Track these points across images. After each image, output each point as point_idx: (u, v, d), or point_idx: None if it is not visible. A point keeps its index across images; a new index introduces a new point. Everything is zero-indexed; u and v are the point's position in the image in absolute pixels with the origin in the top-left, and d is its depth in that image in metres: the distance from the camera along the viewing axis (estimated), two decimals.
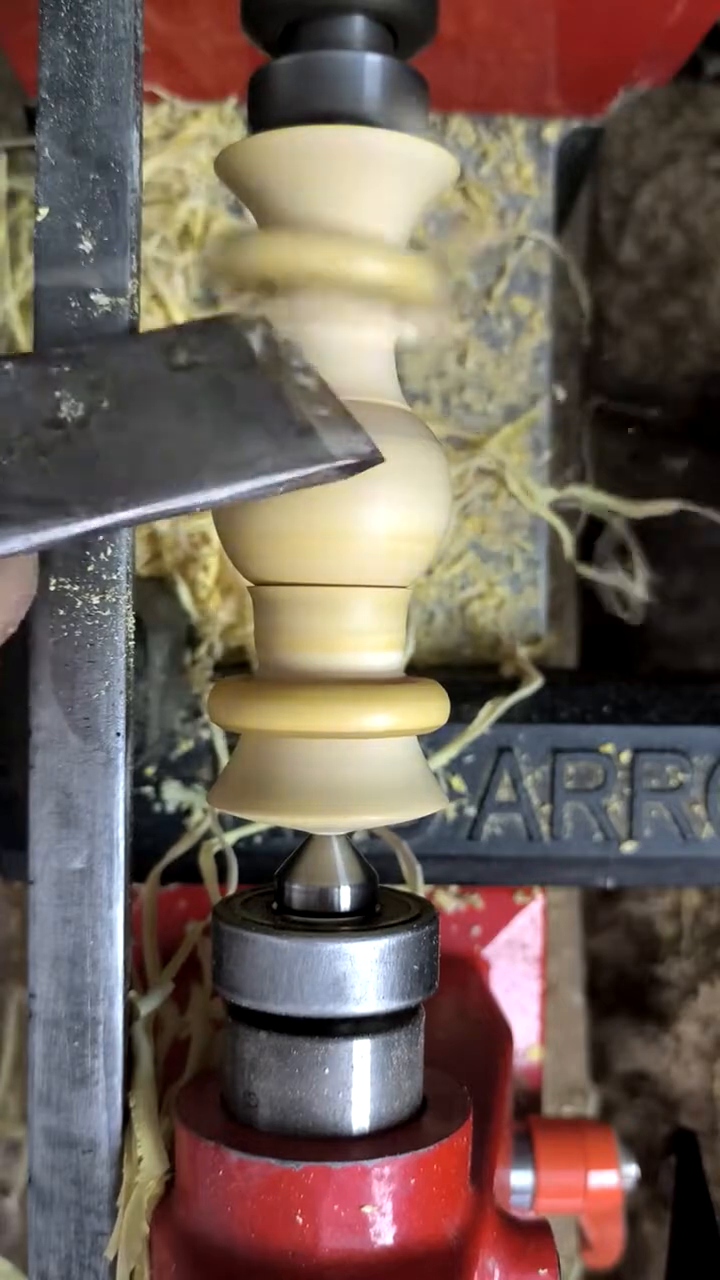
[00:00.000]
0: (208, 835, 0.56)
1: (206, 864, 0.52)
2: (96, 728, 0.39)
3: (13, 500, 0.32)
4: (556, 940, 0.83)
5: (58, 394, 0.33)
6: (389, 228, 0.39)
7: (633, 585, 0.73)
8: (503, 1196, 0.48)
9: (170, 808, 0.58)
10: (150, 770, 0.58)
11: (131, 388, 0.34)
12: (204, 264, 0.38)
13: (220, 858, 0.53)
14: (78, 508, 0.32)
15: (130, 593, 0.39)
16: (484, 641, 0.67)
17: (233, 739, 0.58)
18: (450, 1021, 0.55)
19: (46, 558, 0.38)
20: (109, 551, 0.38)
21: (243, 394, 0.34)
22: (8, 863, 0.58)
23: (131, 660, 0.39)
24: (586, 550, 0.74)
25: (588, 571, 0.72)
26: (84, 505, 0.32)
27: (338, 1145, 0.37)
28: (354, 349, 0.38)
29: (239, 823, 0.57)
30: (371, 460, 0.34)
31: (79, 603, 0.39)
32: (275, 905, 0.41)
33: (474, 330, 0.66)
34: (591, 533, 0.81)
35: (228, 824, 0.57)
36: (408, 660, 0.64)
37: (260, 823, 0.57)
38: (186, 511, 0.33)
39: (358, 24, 0.39)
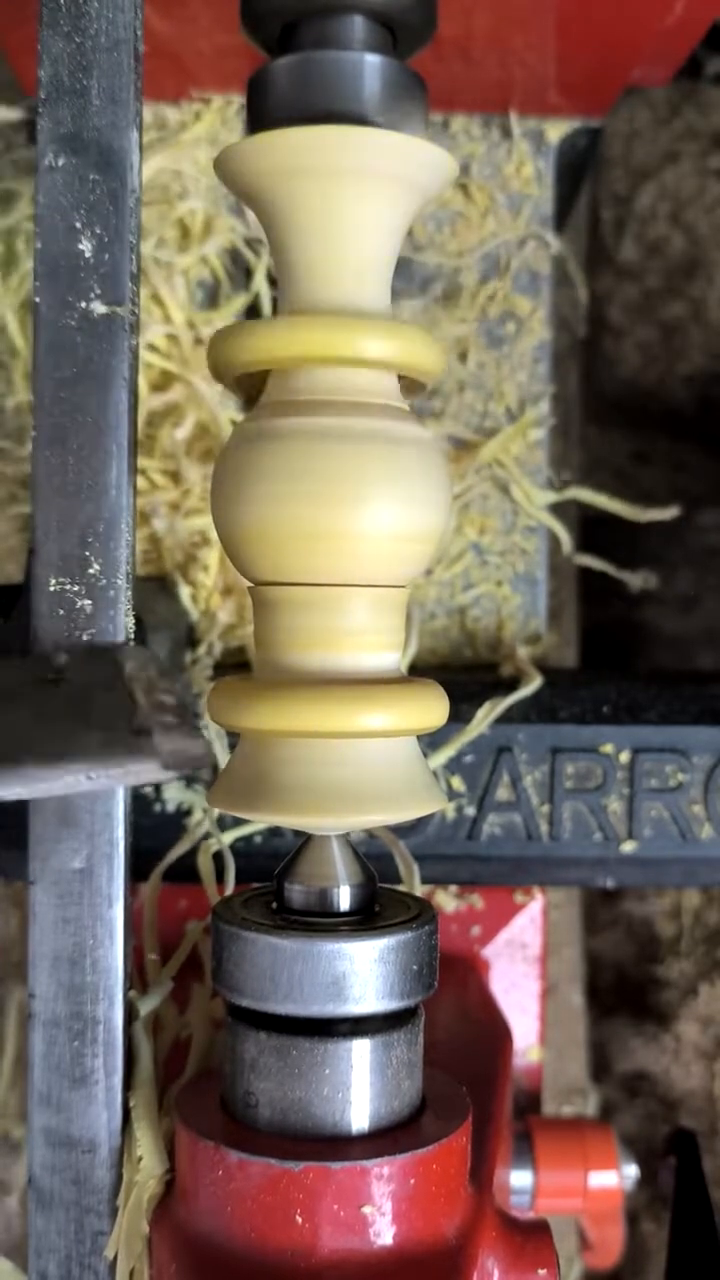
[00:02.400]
0: (207, 835, 0.56)
1: (205, 864, 0.52)
2: None
3: None
4: (556, 940, 0.83)
5: None
6: (388, 233, 0.39)
7: (630, 577, 0.73)
8: (502, 1196, 0.48)
9: (170, 808, 0.58)
10: None
11: None
12: (209, 358, 0.39)
13: (219, 857, 0.53)
14: None
15: (130, 593, 0.39)
16: (484, 641, 0.67)
17: (233, 739, 0.58)
18: (450, 1021, 0.55)
19: (47, 558, 0.38)
20: (109, 552, 0.38)
21: (98, 705, 0.34)
22: (8, 863, 0.58)
23: None
24: (586, 548, 0.74)
25: (587, 560, 0.72)
26: None
27: (337, 1145, 0.37)
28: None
29: (239, 822, 0.57)
30: (199, 764, 0.34)
31: (79, 603, 0.39)
32: (275, 905, 0.41)
33: (474, 330, 0.66)
34: (591, 532, 0.81)
35: (227, 824, 0.57)
36: (408, 660, 0.64)
37: (260, 823, 0.57)
38: (13, 798, 0.34)
39: (357, 24, 0.39)
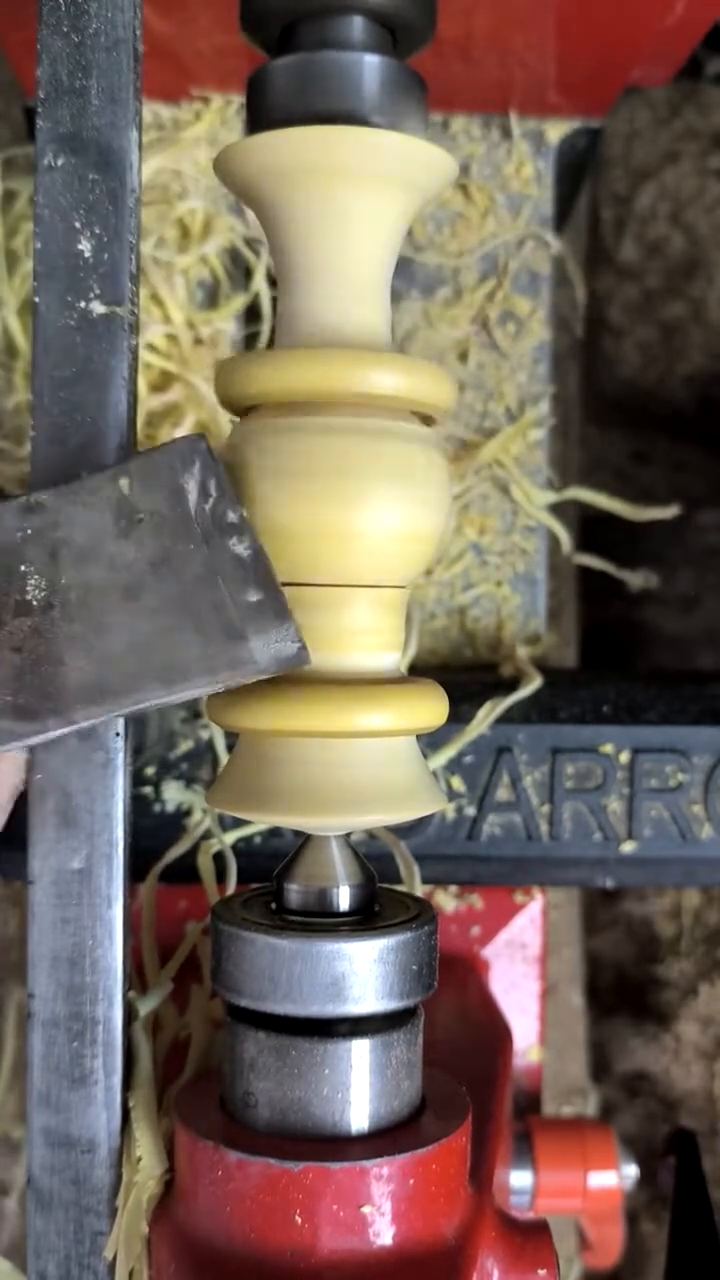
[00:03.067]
0: (207, 835, 0.56)
1: (205, 864, 0.52)
2: (96, 728, 0.39)
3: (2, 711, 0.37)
4: (556, 940, 0.83)
5: (23, 568, 0.37)
6: (388, 233, 0.39)
7: (630, 577, 0.73)
8: (502, 1196, 0.48)
9: (170, 808, 0.58)
10: (150, 770, 0.58)
11: (85, 558, 0.37)
12: (216, 389, 0.40)
13: (219, 858, 0.53)
14: (50, 719, 0.36)
15: None
16: (484, 641, 0.67)
17: (232, 739, 0.58)
18: (450, 1021, 0.55)
19: None
20: None
21: (181, 570, 0.36)
22: (7, 862, 0.58)
23: None
24: (586, 548, 0.74)
25: (587, 560, 0.72)
26: (55, 716, 0.36)
27: (337, 1145, 0.37)
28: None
29: (239, 823, 0.57)
30: (298, 662, 0.36)
31: None
32: (274, 905, 0.41)
33: (474, 330, 0.66)
34: (591, 532, 0.81)
35: (227, 824, 0.57)
36: (408, 660, 0.64)
37: (259, 823, 0.57)
38: (131, 714, 0.37)
39: (357, 24, 0.39)
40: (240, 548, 0.36)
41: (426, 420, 0.41)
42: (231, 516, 0.36)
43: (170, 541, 0.36)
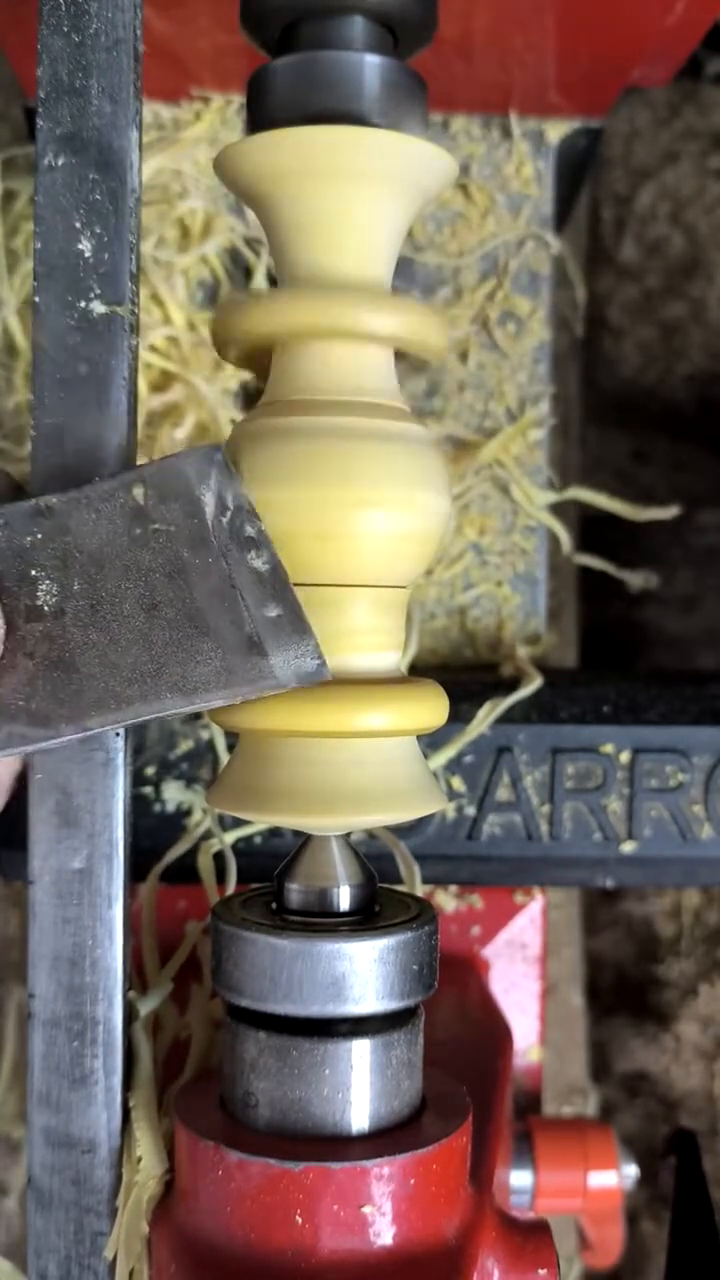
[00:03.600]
0: (207, 835, 0.56)
1: (205, 864, 0.52)
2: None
3: (9, 712, 0.36)
4: (556, 940, 0.83)
5: (34, 572, 0.36)
6: (388, 233, 0.39)
7: (630, 577, 0.73)
8: (502, 1196, 0.48)
9: (170, 808, 0.58)
10: (150, 770, 0.58)
11: (98, 565, 0.36)
12: (211, 332, 0.40)
13: (219, 858, 0.53)
14: (64, 725, 0.36)
15: None
16: (484, 641, 0.67)
17: (232, 739, 0.58)
18: (450, 1021, 0.55)
19: None
20: None
21: (198, 584, 0.36)
22: (8, 863, 0.58)
23: None
24: (586, 548, 0.74)
25: (587, 560, 0.72)
26: (68, 723, 0.36)
27: (337, 1145, 0.37)
28: (354, 354, 0.38)
29: (239, 822, 0.57)
30: (317, 678, 0.36)
31: None
32: (274, 905, 0.41)
33: (474, 330, 0.66)
34: (591, 532, 0.81)
35: (227, 824, 0.57)
36: (408, 660, 0.64)
37: (260, 823, 0.57)
38: (146, 722, 0.38)
39: (357, 24, 0.39)
40: (259, 562, 0.36)
41: (420, 365, 0.40)
42: (250, 530, 0.36)
43: (187, 553, 0.36)
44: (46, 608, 0.36)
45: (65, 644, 0.36)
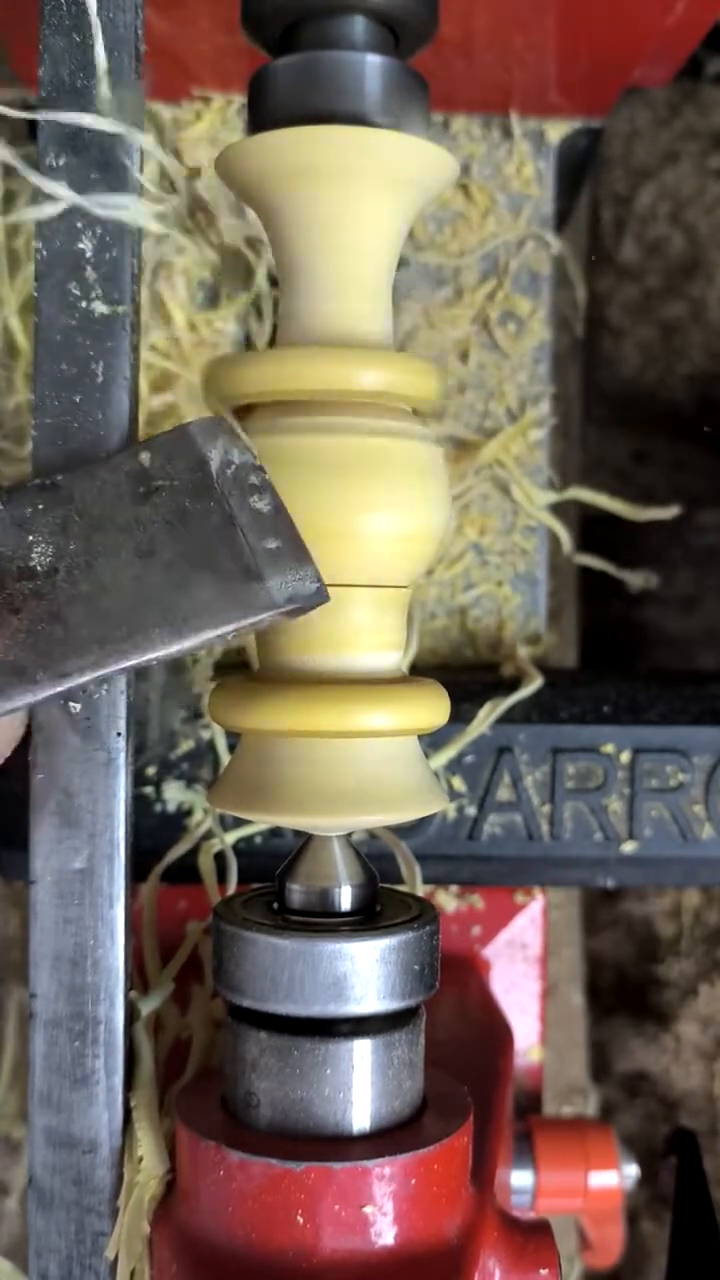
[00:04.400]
0: (208, 835, 0.56)
1: (206, 864, 0.52)
2: (96, 728, 0.39)
3: None
4: (556, 940, 0.83)
5: (30, 538, 0.35)
6: (389, 233, 0.39)
7: (630, 577, 0.73)
8: (503, 1196, 0.48)
9: (170, 808, 0.58)
10: (151, 770, 0.58)
11: (96, 525, 0.35)
12: (204, 388, 0.40)
13: (220, 858, 0.53)
14: (41, 675, 0.34)
15: None
16: (484, 641, 0.67)
17: (233, 739, 0.58)
18: (450, 1021, 0.55)
19: None
20: None
21: (197, 525, 0.35)
22: (8, 863, 0.58)
23: None
24: (586, 548, 0.74)
25: (587, 560, 0.72)
26: (47, 673, 0.34)
27: (338, 1145, 0.37)
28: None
29: (239, 822, 0.57)
30: (317, 601, 0.35)
31: None
32: (276, 905, 0.41)
33: (474, 330, 0.66)
34: (591, 532, 0.81)
35: (228, 824, 0.57)
36: (409, 660, 0.64)
37: (261, 823, 0.57)
38: (137, 668, 0.35)
39: (358, 24, 0.39)
40: (262, 504, 0.35)
41: (417, 414, 0.41)
42: (254, 480, 0.35)
43: (189, 502, 0.35)
44: (39, 568, 0.35)
45: (54, 599, 0.35)
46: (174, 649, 0.35)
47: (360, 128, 0.38)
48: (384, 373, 0.38)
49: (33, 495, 0.36)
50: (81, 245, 0.38)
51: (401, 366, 0.38)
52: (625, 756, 0.59)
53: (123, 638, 0.35)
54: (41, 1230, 0.40)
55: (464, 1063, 0.45)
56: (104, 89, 0.38)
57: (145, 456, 0.36)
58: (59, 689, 0.35)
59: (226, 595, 0.35)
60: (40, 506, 0.36)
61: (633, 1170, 0.60)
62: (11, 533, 0.35)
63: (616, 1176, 0.59)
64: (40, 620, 0.35)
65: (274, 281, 0.62)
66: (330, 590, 0.38)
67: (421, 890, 0.57)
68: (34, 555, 0.35)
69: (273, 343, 0.43)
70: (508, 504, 0.66)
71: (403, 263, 0.53)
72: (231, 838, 0.57)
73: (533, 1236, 0.40)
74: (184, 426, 0.36)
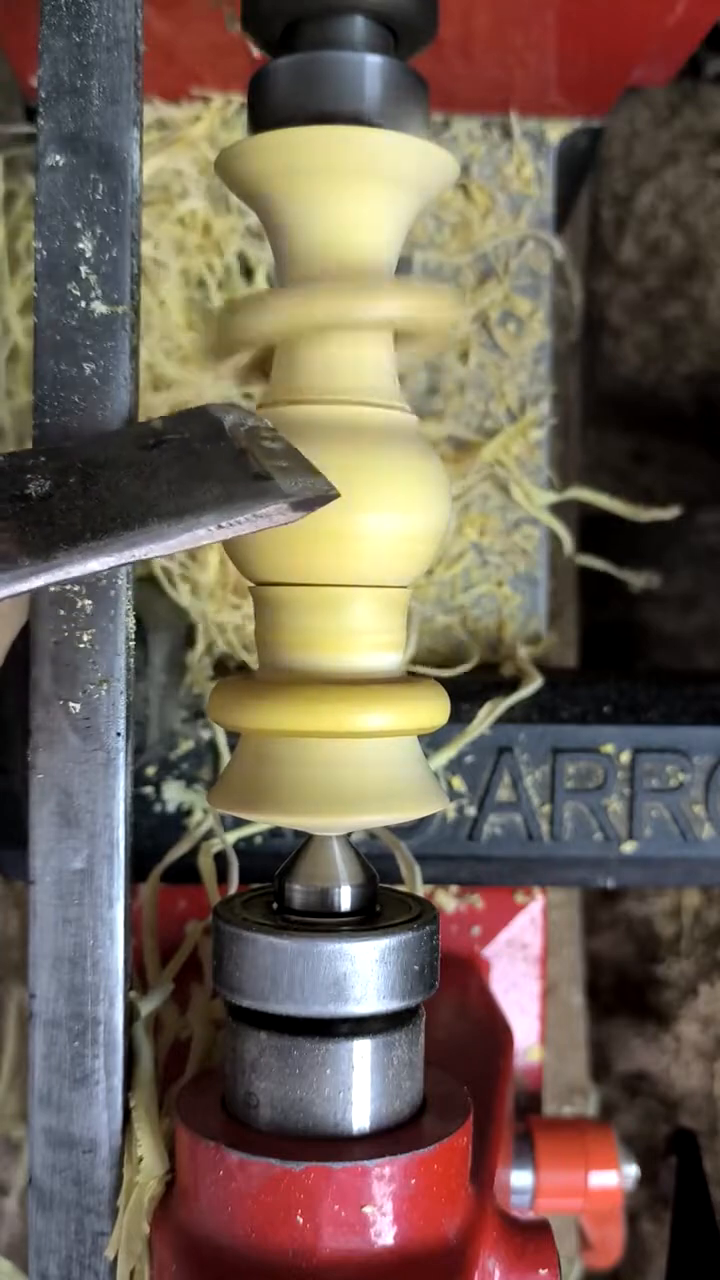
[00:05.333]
0: (208, 835, 0.56)
1: (206, 865, 0.52)
2: (96, 728, 0.39)
3: None
4: (556, 940, 0.83)
5: (28, 476, 0.34)
6: (389, 233, 0.39)
7: (630, 577, 0.73)
8: (503, 1196, 0.48)
9: (170, 808, 0.58)
10: (151, 770, 0.58)
11: (100, 467, 0.34)
12: (215, 333, 0.39)
13: (220, 857, 0.53)
14: (24, 560, 0.33)
15: (130, 593, 0.39)
16: (484, 641, 0.67)
17: (233, 739, 0.58)
18: (450, 1021, 0.55)
19: None
20: None
21: (206, 456, 0.34)
22: (8, 863, 0.58)
23: (131, 660, 0.39)
24: (586, 548, 0.74)
25: (588, 561, 0.72)
26: (30, 559, 0.33)
27: (338, 1145, 0.37)
28: (355, 357, 0.38)
29: (239, 823, 0.57)
30: (326, 497, 0.34)
31: (79, 603, 0.39)
32: (275, 905, 0.41)
33: (474, 330, 0.66)
34: (591, 532, 0.81)
35: (228, 824, 0.57)
36: (408, 660, 0.64)
37: (261, 823, 0.57)
38: (140, 560, 0.34)
39: (358, 24, 0.39)
40: (273, 445, 0.35)
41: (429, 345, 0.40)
42: (267, 435, 0.35)
43: (200, 444, 0.35)
44: (34, 495, 0.34)
45: (47, 512, 0.34)
46: (174, 541, 0.33)
47: (360, 128, 0.38)
48: (392, 302, 0.38)
49: (36, 452, 0.35)
50: (81, 245, 0.38)
51: (411, 293, 0.38)
52: (625, 756, 0.59)
53: (119, 527, 0.33)
54: (41, 1230, 0.40)
55: (464, 1063, 0.45)
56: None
57: (158, 423, 0.36)
58: (52, 577, 0.33)
59: (233, 491, 0.33)
60: (43, 459, 0.35)
61: (633, 1170, 0.60)
62: (10, 475, 0.34)
63: (616, 1176, 0.59)
64: (28, 524, 0.33)
65: (273, 283, 0.62)
66: (330, 590, 0.38)
67: (421, 890, 0.57)
68: (30, 488, 0.34)
69: None
70: (508, 504, 0.66)
71: (403, 263, 0.53)
72: (232, 838, 0.57)
73: (532, 1236, 0.40)
74: (198, 407, 0.36)
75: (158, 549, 0.33)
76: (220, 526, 0.33)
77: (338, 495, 0.34)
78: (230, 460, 0.34)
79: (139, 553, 0.33)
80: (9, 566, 0.33)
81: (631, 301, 0.92)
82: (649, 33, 0.57)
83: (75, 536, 0.33)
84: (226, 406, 0.36)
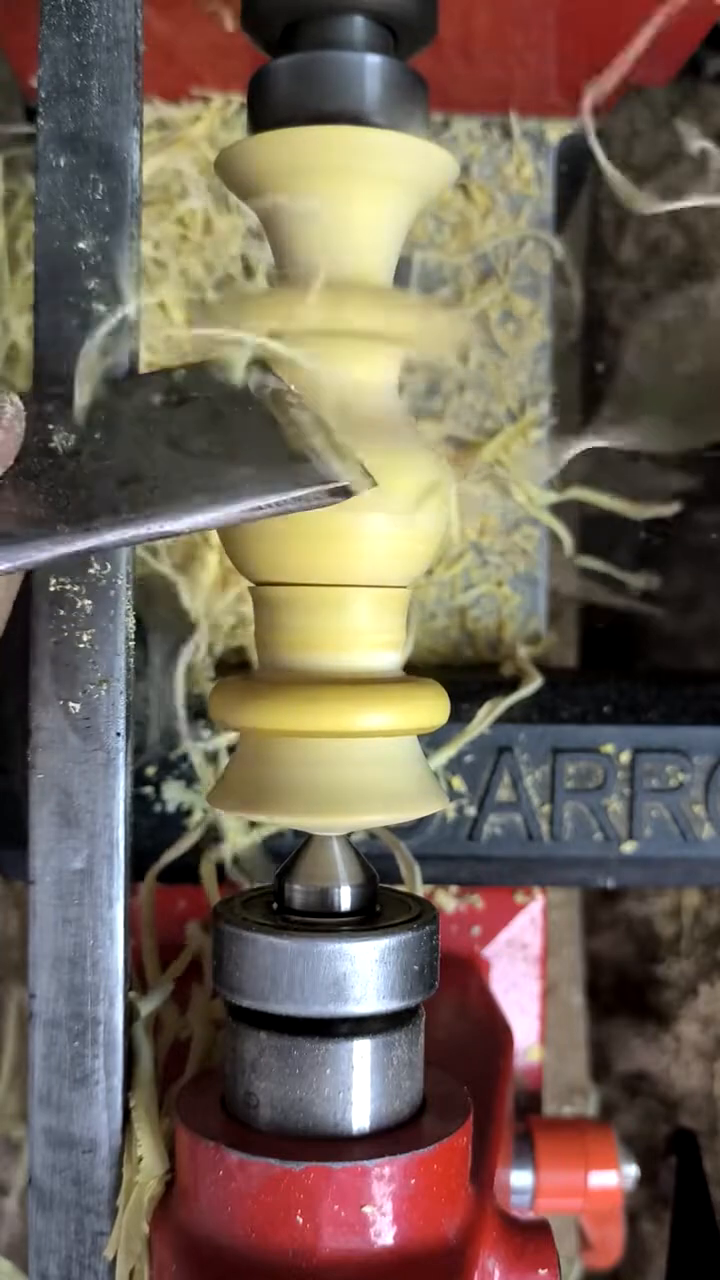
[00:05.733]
0: (209, 836, 0.56)
1: (208, 870, 0.52)
2: (96, 728, 0.39)
3: (4, 521, 0.32)
4: (556, 940, 0.83)
5: (50, 426, 0.34)
6: (388, 234, 0.39)
7: (630, 577, 0.73)
8: (503, 1196, 0.48)
9: (170, 808, 0.58)
10: (151, 770, 0.58)
11: (124, 421, 0.34)
12: (206, 319, 0.39)
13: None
14: (63, 528, 0.32)
15: (130, 593, 0.39)
16: (484, 641, 0.67)
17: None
18: (450, 1021, 0.55)
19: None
20: (110, 552, 0.38)
21: (236, 424, 0.34)
22: (8, 863, 0.58)
23: (131, 660, 0.39)
24: (587, 548, 0.74)
25: (588, 563, 0.72)
26: (69, 526, 0.32)
27: (338, 1145, 0.37)
28: (354, 356, 0.38)
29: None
30: (365, 485, 0.34)
31: (79, 603, 0.39)
32: (275, 905, 0.41)
33: (474, 330, 0.66)
34: (591, 531, 0.81)
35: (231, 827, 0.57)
36: (406, 660, 0.64)
37: (260, 823, 0.57)
38: (175, 535, 0.34)
39: (358, 24, 0.39)
40: (301, 415, 0.34)
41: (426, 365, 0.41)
42: (290, 398, 0.34)
43: (224, 406, 0.34)
44: (61, 450, 0.34)
45: (77, 471, 0.33)
46: (211, 516, 0.33)
47: (359, 128, 0.38)
48: (388, 314, 0.38)
49: (50, 395, 0.35)
50: (81, 245, 0.38)
51: (405, 307, 0.38)
52: (625, 756, 0.59)
53: (158, 500, 0.33)
54: (41, 1230, 0.40)
55: (464, 1063, 0.45)
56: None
57: (179, 375, 0.35)
58: (86, 544, 0.33)
59: (270, 473, 0.33)
60: (60, 404, 0.34)
61: (632, 1170, 0.60)
62: (29, 421, 0.34)
63: (616, 1176, 0.59)
64: (60, 485, 0.33)
65: (273, 281, 0.62)
66: (330, 590, 0.38)
67: (421, 890, 0.57)
68: (54, 439, 0.34)
69: None
70: (508, 504, 0.66)
71: (402, 263, 0.53)
72: (233, 844, 0.57)
73: (532, 1236, 0.40)
74: (216, 357, 0.35)
75: (188, 527, 0.33)
76: (256, 509, 0.33)
77: (374, 484, 0.34)
78: (261, 432, 0.34)
79: (172, 529, 0.33)
80: (47, 533, 0.32)
81: (631, 301, 0.92)
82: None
83: (113, 506, 0.33)
84: (244, 360, 0.35)
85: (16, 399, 0.34)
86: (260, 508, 0.33)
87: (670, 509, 0.69)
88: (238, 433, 0.34)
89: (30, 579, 0.39)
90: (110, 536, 0.33)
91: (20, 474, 0.33)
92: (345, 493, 0.34)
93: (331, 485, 0.34)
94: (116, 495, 0.33)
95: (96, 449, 0.34)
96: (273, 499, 0.33)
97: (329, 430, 0.34)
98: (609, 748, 0.59)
